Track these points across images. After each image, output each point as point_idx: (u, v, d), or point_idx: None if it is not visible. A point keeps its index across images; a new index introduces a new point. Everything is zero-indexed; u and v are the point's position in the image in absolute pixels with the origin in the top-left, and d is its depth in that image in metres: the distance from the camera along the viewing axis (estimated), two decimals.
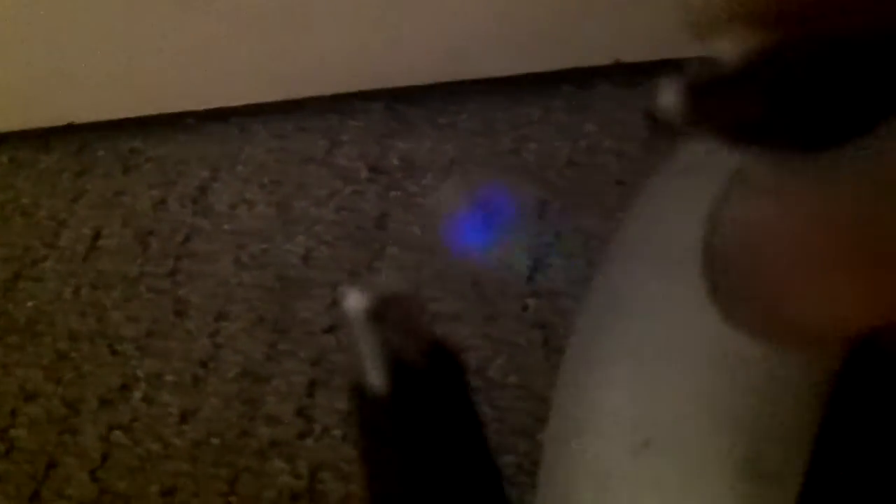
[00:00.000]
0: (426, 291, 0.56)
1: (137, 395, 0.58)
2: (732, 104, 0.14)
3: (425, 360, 0.16)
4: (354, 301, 0.15)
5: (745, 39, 0.14)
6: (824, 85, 0.14)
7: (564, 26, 0.59)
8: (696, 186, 0.21)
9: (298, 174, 0.63)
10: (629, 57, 0.59)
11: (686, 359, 0.36)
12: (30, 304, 0.64)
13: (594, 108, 0.60)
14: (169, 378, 0.58)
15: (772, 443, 0.34)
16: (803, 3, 0.14)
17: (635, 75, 0.59)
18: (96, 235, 0.65)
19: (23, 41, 0.65)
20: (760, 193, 0.14)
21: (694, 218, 0.20)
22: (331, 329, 0.56)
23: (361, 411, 0.17)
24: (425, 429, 0.17)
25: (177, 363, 0.58)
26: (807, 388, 0.34)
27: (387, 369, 0.16)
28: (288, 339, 0.57)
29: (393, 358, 0.16)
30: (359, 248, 0.58)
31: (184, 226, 0.63)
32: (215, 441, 0.55)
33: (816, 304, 0.14)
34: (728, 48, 0.14)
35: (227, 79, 0.65)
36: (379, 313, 0.16)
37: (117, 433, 0.57)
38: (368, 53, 0.62)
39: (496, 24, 0.60)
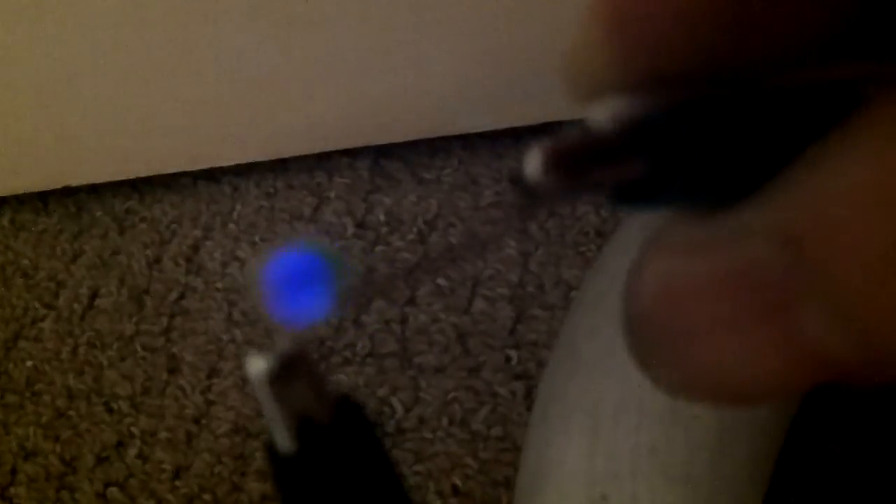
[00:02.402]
0: (410, 345, 0.57)
1: (132, 452, 0.59)
2: (608, 167, 0.14)
3: (330, 414, 0.17)
4: (255, 366, 0.16)
5: (626, 102, 0.14)
6: (709, 141, 0.14)
7: (545, 82, 0.61)
8: None
9: (288, 231, 0.64)
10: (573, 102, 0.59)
11: (640, 415, 0.37)
12: (29, 363, 0.65)
13: None
14: (163, 435, 0.59)
15: (724, 495, 0.35)
16: (682, 64, 0.14)
17: None
18: (93, 295, 0.66)
19: (21, 108, 0.66)
20: (675, 251, 0.15)
21: None
22: None
23: (274, 471, 0.18)
24: (336, 480, 0.17)
25: (170, 420, 0.60)
26: (758, 441, 0.35)
27: (292, 429, 0.17)
28: None
29: (298, 417, 0.17)
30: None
31: (177, 284, 0.65)
32: (207, 497, 0.56)
33: (730, 364, 0.14)
34: (607, 111, 0.14)
35: (217, 140, 0.66)
36: (280, 375, 0.16)
37: (113, 490, 0.58)
38: (353, 112, 0.63)
39: (478, 80, 0.62)
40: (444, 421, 0.54)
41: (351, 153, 0.66)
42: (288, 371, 0.16)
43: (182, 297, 0.64)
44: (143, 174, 0.69)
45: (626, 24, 0.14)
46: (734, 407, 0.32)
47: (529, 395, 0.54)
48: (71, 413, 0.62)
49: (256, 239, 0.65)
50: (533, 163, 0.14)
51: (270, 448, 0.17)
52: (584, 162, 0.14)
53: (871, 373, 0.13)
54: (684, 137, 0.14)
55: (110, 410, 0.61)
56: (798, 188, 0.13)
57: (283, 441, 0.17)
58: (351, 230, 0.63)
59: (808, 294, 0.13)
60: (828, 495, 0.34)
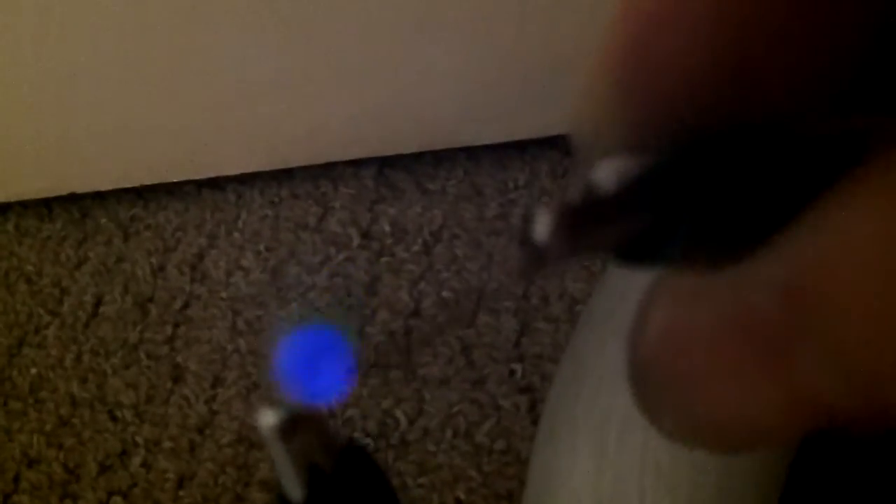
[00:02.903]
0: (415, 357, 0.57)
1: (136, 460, 0.59)
2: (613, 226, 0.14)
3: (336, 462, 0.17)
4: (266, 418, 0.17)
5: (628, 158, 0.14)
6: (713, 197, 0.14)
7: (550, 94, 0.61)
8: None
9: (292, 241, 0.64)
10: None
11: (647, 433, 0.37)
12: (33, 370, 0.65)
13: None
14: (166, 444, 0.59)
15: None
16: (687, 118, 0.14)
17: None
18: (97, 302, 0.66)
19: (27, 115, 0.66)
20: (678, 300, 0.15)
21: None
22: None
23: None
24: None
25: (174, 429, 0.60)
26: (765, 461, 0.35)
27: (301, 478, 0.17)
28: None
29: (306, 466, 0.17)
30: (350, 313, 0.60)
31: (182, 293, 0.65)
32: None
33: (730, 411, 0.14)
34: (609, 169, 0.14)
35: (222, 148, 0.66)
36: (289, 427, 0.17)
37: (116, 499, 0.59)
38: (359, 122, 0.63)
39: (483, 92, 0.62)
40: (448, 433, 0.55)
41: (356, 163, 0.66)
42: (297, 422, 0.17)
43: (186, 305, 0.64)
44: (147, 181, 0.69)
45: (632, 82, 0.15)
46: (735, 453, 0.32)
47: (533, 409, 0.54)
48: (74, 421, 0.62)
49: (261, 248, 0.65)
50: (541, 226, 0.14)
51: (280, 497, 0.17)
52: (590, 223, 0.14)
53: (869, 421, 0.13)
54: (687, 194, 0.14)
55: (114, 419, 0.61)
56: (800, 240, 0.13)
57: (293, 490, 0.17)
58: (356, 241, 0.63)
59: (807, 343, 0.13)
60: None
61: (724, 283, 0.14)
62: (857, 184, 0.13)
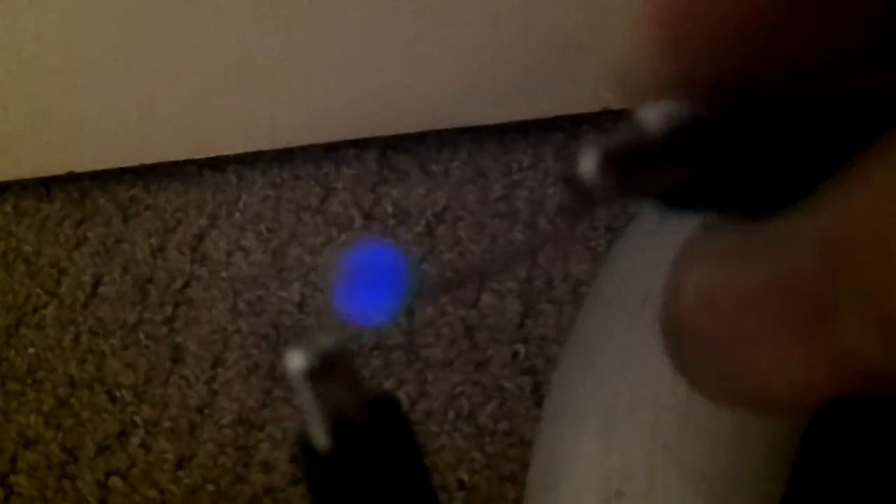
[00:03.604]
0: (417, 338, 0.57)
1: (135, 441, 0.59)
2: (658, 170, 0.14)
3: (366, 413, 0.17)
4: (295, 361, 0.16)
5: (673, 105, 0.14)
6: (756, 149, 0.14)
7: (554, 75, 0.60)
8: (670, 240, 0.22)
9: (294, 222, 0.64)
10: (618, 104, 0.59)
11: (655, 412, 0.36)
12: (31, 350, 0.65)
13: None
14: (166, 424, 0.59)
15: (740, 493, 0.35)
16: (732, 70, 0.14)
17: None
18: (96, 283, 0.66)
19: (25, 93, 0.66)
20: (716, 260, 0.14)
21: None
22: None
23: (307, 467, 0.17)
24: (369, 480, 0.17)
25: (173, 410, 0.59)
26: (775, 441, 0.35)
27: (329, 425, 0.17)
28: (283, 386, 0.58)
29: (335, 414, 0.17)
30: None
31: (182, 273, 0.64)
32: (210, 487, 0.56)
33: (769, 372, 0.14)
34: (655, 114, 0.14)
35: (224, 128, 0.66)
36: (319, 372, 0.16)
37: (115, 479, 0.58)
38: (361, 103, 0.63)
39: (487, 73, 0.61)
40: (451, 415, 0.54)
41: (358, 144, 0.65)
42: (327, 367, 0.16)
43: (186, 286, 0.64)
44: (147, 161, 0.69)
45: (677, 27, 0.14)
46: (772, 414, 0.32)
47: (537, 390, 0.54)
48: (73, 401, 0.61)
49: (262, 229, 0.64)
50: (588, 162, 0.13)
51: (305, 444, 0.17)
52: (637, 164, 0.14)
53: None
54: (731, 143, 0.14)
55: (113, 399, 0.61)
56: (842, 197, 0.13)
57: (319, 437, 0.17)
58: (358, 222, 0.62)
59: (849, 304, 0.12)
60: (845, 496, 0.34)
61: (762, 241, 0.14)
62: None
